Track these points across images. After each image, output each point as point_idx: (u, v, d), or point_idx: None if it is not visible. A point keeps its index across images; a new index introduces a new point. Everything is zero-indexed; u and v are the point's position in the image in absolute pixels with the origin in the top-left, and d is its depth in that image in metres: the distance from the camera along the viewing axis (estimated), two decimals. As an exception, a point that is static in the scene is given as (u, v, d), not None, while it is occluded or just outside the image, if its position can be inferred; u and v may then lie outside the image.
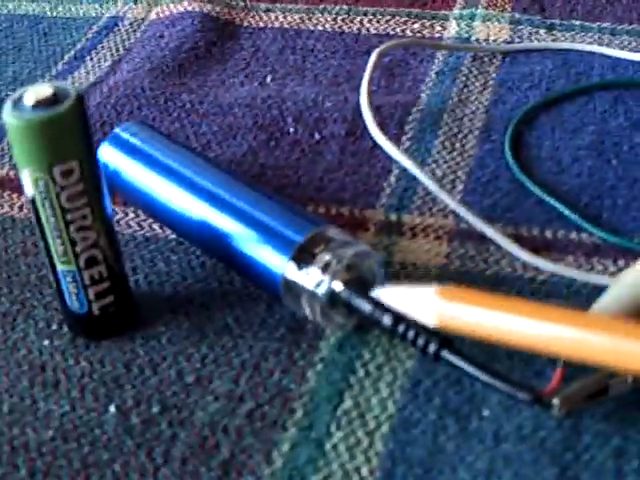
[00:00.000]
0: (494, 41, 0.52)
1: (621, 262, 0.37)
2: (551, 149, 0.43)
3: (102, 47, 0.55)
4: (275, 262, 0.34)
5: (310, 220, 0.35)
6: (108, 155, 0.41)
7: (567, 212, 0.39)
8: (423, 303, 0.31)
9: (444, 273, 0.37)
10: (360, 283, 0.34)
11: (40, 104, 0.31)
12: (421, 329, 0.32)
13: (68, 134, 0.31)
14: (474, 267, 0.37)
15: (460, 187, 0.41)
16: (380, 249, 0.38)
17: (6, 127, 0.31)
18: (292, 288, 0.34)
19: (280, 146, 0.45)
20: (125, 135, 0.41)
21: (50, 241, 0.33)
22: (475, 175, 0.42)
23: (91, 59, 0.54)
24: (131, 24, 0.57)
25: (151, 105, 0.49)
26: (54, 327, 0.37)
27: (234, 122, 0.47)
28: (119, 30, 0.57)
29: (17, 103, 0.31)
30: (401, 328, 0.32)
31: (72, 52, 0.55)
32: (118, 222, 0.41)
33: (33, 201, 0.32)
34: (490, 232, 0.38)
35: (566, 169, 0.42)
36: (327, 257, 0.34)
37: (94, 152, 0.32)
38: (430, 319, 0.31)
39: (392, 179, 0.42)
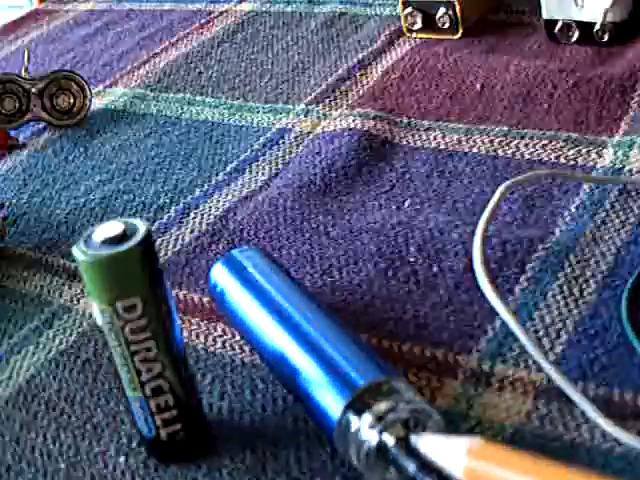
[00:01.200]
0: (649, 174, 0.49)
1: None
2: (679, 302, 0.41)
3: (264, 160, 0.57)
4: (332, 404, 0.34)
5: (379, 367, 0.35)
6: (218, 275, 0.42)
7: (666, 379, 0.36)
8: (453, 456, 0.30)
9: (518, 435, 0.35)
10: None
11: (107, 241, 0.32)
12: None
13: (131, 272, 0.33)
14: (551, 431, 0.35)
15: (564, 337, 0.39)
16: (461, 401, 0.37)
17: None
18: (344, 434, 0.34)
19: (397, 276, 0.45)
20: (238, 257, 0.42)
21: (118, 368, 0.35)
22: (584, 325, 0.40)
23: (250, 172, 0.56)
24: (296, 137, 0.59)
25: (288, 225, 0.50)
26: (134, 445, 0.38)
27: (359, 248, 0.47)
28: (284, 143, 0.59)
29: (89, 238, 0.33)
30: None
31: (235, 162, 0.57)
32: (223, 344, 0.42)
33: (102, 330, 0.34)
34: (576, 395, 0.36)
35: (688, 326, 0.39)
36: (384, 408, 0.33)
37: (161, 287, 0.34)
38: (458, 473, 0.30)
39: (498, 322, 0.41)
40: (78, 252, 0.33)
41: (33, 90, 0.68)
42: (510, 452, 0.30)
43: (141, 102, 0.69)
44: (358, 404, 0.34)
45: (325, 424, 0.34)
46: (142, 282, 0.33)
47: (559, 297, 0.42)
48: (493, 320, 0.41)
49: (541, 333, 0.40)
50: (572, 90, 0.58)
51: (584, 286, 0.42)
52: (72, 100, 0.69)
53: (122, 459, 0.37)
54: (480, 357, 0.39)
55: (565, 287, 0.42)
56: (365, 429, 0.33)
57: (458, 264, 0.45)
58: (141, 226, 0.33)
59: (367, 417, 0.33)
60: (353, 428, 0.33)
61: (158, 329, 0.34)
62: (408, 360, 0.39)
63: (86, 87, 0.69)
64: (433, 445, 0.32)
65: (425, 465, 0.32)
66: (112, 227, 0.33)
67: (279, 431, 0.37)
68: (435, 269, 0.45)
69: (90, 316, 0.46)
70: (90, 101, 0.69)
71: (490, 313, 0.41)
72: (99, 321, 0.34)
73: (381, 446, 0.33)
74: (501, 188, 0.45)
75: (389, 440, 0.33)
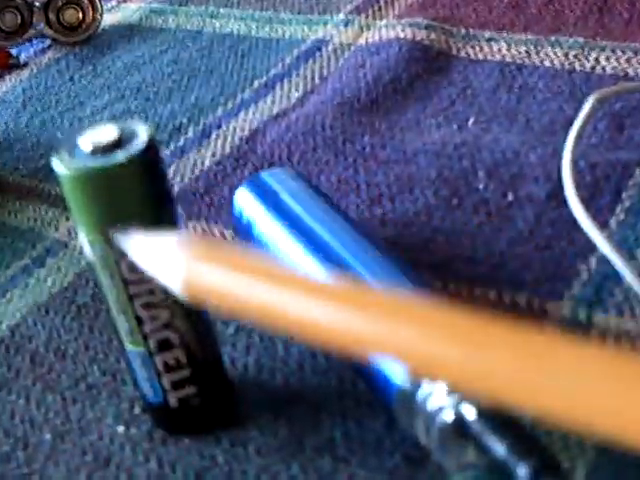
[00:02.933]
0: None
1: None
2: None
3: (297, 74, 0.49)
4: (393, 366, 0.26)
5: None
6: (244, 202, 0.34)
7: None
8: (168, 261, 0.21)
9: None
10: (500, 416, 0.25)
11: (98, 150, 0.24)
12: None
13: (130, 189, 0.24)
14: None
15: (681, 281, 0.31)
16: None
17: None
18: (408, 404, 0.25)
19: (463, 206, 0.36)
20: (268, 181, 0.34)
21: (115, 315, 0.27)
22: None
23: (282, 88, 0.48)
24: (335, 50, 0.50)
25: (328, 146, 0.41)
26: (136, 411, 0.30)
27: (415, 172, 0.39)
28: (321, 56, 0.50)
29: (74, 146, 0.25)
30: (540, 487, 0.23)
31: (264, 78, 0.49)
32: (249, 285, 0.34)
33: (93, 266, 0.26)
34: None
35: None
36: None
37: (169, 212, 0.26)
38: (176, 287, 0.21)
39: (593, 261, 0.32)
40: (59, 164, 0.24)
41: (36, 3, 0.60)
42: (235, 252, 0.21)
43: (158, 17, 0.61)
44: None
45: (382, 389, 0.26)
46: (144, 203, 0.25)
47: (668, 231, 0.33)
48: (587, 258, 0.32)
49: (650, 275, 0.31)
50: (660, -4, 0.49)
51: (699, 218, 0.33)
52: (80, 14, 0.61)
53: (121, 429, 0.30)
54: (574, 304, 0.31)
55: (675, 219, 0.34)
56: (438, 398, 0.25)
57: (539, 191, 0.36)
58: (142, 130, 0.25)
59: (439, 384, 0.25)
60: (421, 396, 0.25)
61: (165, 264, 0.25)
62: (482, 308, 0.31)
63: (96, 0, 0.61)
64: (142, 247, 0.22)
65: (518, 445, 0.24)
66: (105, 132, 0.25)
67: (321, 395, 0.29)
68: (510, 197, 0.36)
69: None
70: (101, 15, 0.61)
71: (583, 250, 0.33)
72: (89, 255, 0.26)
73: (459, 420, 0.25)
74: (590, 99, 0.37)
75: (469, 413, 0.24)
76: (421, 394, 0.25)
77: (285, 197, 0.33)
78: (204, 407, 0.28)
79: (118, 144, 0.25)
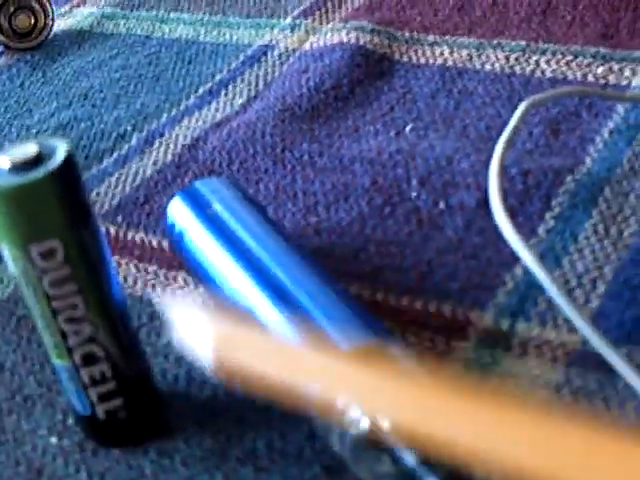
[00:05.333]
0: (697, 93, 0.41)
1: None
2: None
3: (242, 80, 0.49)
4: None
5: (370, 327, 0.27)
6: (177, 212, 0.35)
7: None
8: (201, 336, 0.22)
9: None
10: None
11: (18, 167, 0.25)
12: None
13: (46, 206, 0.25)
14: (588, 407, 0.28)
15: (602, 288, 0.32)
16: (474, 369, 0.30)
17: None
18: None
19: (395, 214, 0.37)
20: (202, 191, 0.35)
21: (40, 330, 0.27)
22: (624, 274, 0.32)
23: (226, 94, 0.48)
24: (280, 55, 0.51)
25: (267, 154, 0.42)
26: (69, 422, 0.30)
27: (350, 181, 0.39)
28: (266, 61, 0.51)
29: (-6, 165, 0.25)
30: (447, 498, 0.23)
31: (209, 84, 0.49)
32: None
33: (18, 282, 0.27)
34: (619, 362, 0.28)
35: None
36: (377, 382, 0.25)
37: (88, 227, 0.26)
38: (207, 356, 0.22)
39: (518, 271, 0.33)
40: (-22, 182, 0.25)
41: (-12, 8, 0.60)
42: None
43: (109, 22, 0.61)
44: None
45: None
46: (61, 220, 0.25)
47: (593, 239, 0.34)
48: (513, 268, 0.33)
49: (573, 283, 0.32)
50: (600, -1, 0.50)
51: (623, 225, 0.34)
52: (32, 20, 0.61)
53: (54, 440, 0.30)
54: (497, 314, 0.31)
55: (600, 227, 0.34)
56: (353, 409, 0.25)
57: (470, 199, 0.37)
58: (60, 147, 0.26)
59: (354, 393, 0.25)
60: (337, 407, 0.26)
61: (87, 281, 0.26)
62: (408, 317, 0.32)
63: (48, 5, 0.61)
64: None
65: (427, 457, 0.24)
66: (24, 149, 0.25)
67: (247, 407, 0.30)
68: (441, 206, 0.37)
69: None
70: (52, 21, 0.61)
71: (509, 259, 0.34)
72: (12, 271, 0.26)
73: (372, 431, 0.25)
74: (522, 106, 0.37)
75: (383, 424, 0.25)
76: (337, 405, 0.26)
77: (218, 207, 0.34)
78: (131, 419, 0.29)
79: (37, 161, 0.25)
